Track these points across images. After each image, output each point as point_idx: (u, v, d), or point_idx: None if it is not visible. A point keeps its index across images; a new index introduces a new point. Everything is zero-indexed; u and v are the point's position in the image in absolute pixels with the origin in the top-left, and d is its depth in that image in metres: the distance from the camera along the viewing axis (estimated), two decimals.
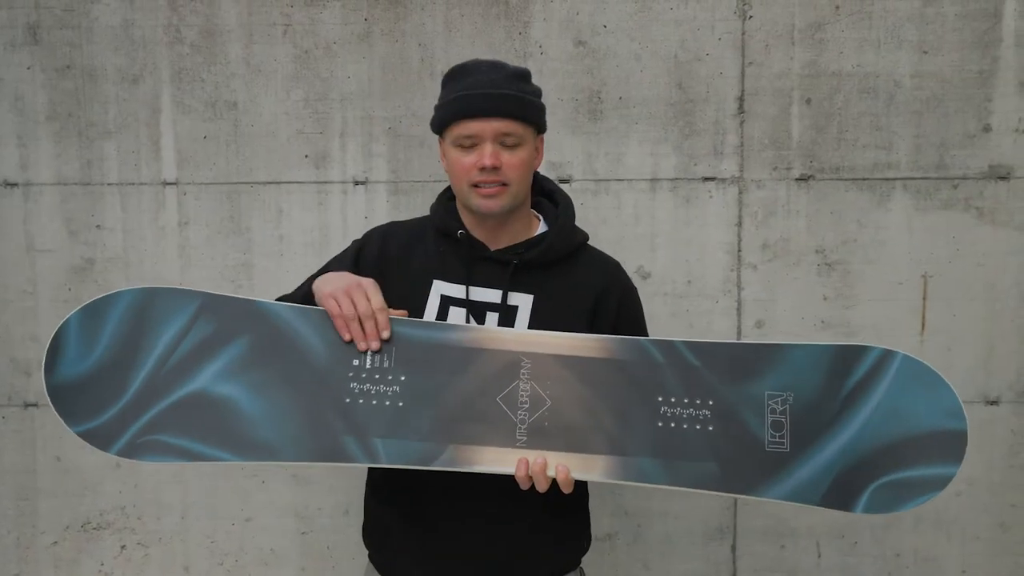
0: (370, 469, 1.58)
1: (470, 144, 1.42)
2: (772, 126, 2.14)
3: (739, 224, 2.16)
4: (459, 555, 1.47)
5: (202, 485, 2.26)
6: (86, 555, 2.29)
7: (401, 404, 1.38)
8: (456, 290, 1.48)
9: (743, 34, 2.12)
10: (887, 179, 2.14)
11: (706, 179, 2.15)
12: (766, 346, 1.44)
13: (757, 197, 2.15)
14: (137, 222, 2.20)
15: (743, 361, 1.42)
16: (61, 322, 1.36)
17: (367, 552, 1.60)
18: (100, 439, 1.34)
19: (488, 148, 1.40)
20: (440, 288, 1.48)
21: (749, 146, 2.14)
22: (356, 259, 1.54)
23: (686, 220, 2.16)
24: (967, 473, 2.21)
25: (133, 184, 2.19)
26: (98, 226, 2.20)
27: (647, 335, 1.59)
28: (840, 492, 1.38)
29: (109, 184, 2.19)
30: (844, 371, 1.41)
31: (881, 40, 2.11)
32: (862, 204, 2.15)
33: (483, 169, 1.40)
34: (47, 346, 1.35)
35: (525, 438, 1.37)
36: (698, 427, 1.39)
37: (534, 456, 1.35)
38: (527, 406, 1.38)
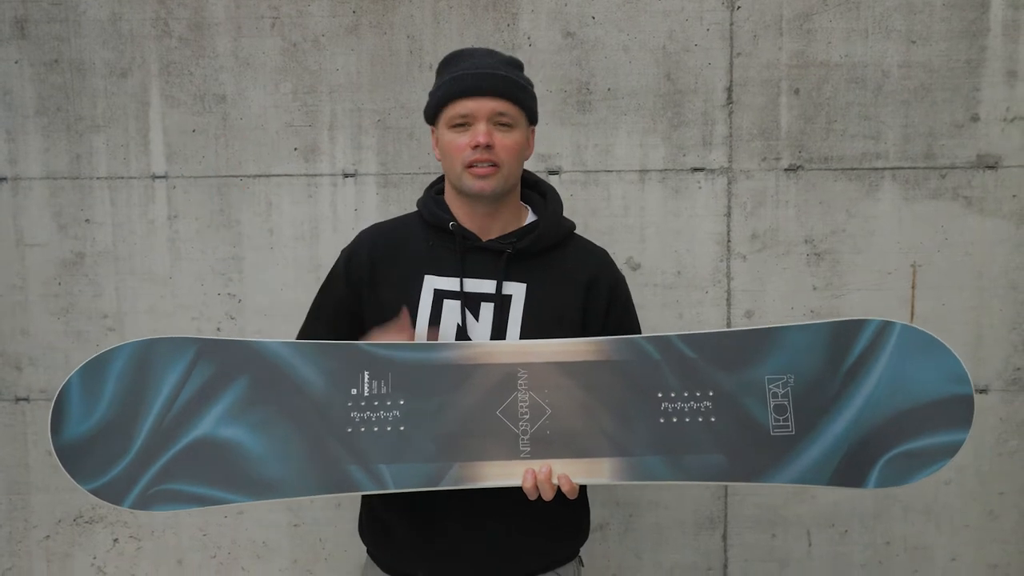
0: None
1: (464, 124, 1.44)
2: (761, 116, 2.14)
3: (728, 214, 2.17)
4: (459, 547, 1.47)
5: None
6: (78, 549, 2.29)
7: (403, 428, 1.38)
8: (449, 283, 1.48)
9: (731, 24, 2.12)
10: (876, 169, 2.15)
11: (695, 170, 2.16)
12: (762, 331, 1.43)
13: (746, 187, 2.16)
14: (126, 216, 2.20)
15: (740, 348, 1.41)
16: (64, 382, 1.38)
17: (365, 548, 1.60)
18: (112, 494, 1.36)
19: (482, 127, 1.42)
20: (432, 282, 1.48)
21: (738, 136, 2.14)
22: (347, 267, 1.54)
23: (675, 211, 2.17)
24: (956, 461, 2.19)
25: (122, 178, 2.19)
26: (87, 220, 2.20)
27: (637, 322, 1.61)
28: (850, 469, 1.37)
29: (98, 178, 2.19)
30: (843, 347, 1.40)
31: (869, 30, 2.12)
32: (851, 194, 2.15)
33: (476, 147, 1.42)
34: (51, 408, 1.36)
35: (529, 449, 1.38)
36: (700, 420, 1.38)
37: (539, 465, 1.35)
38: (527, 417, 1.39)
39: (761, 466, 1.37)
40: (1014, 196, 2.14)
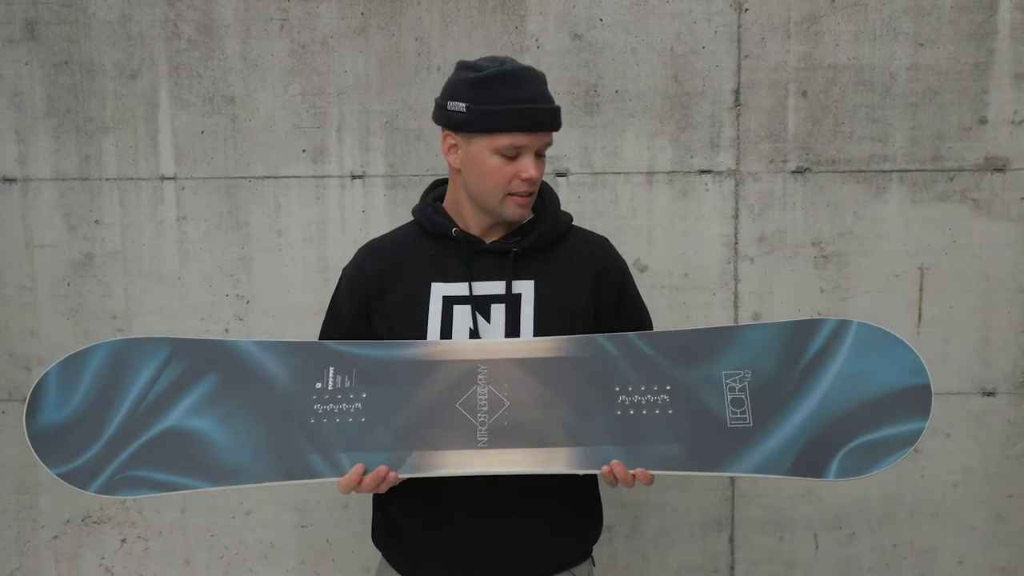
0: None
1: (515, 155, 1.42)
2: (768, 119, 2.14)
3: (736, 217, 2.17)
4: (474, 549, 1.48)
5: None
6: (87, 549, 2.30)
7: (364, 419, 1.41)
8: (457, 288, 1.49)
9: (739, 27, 2.12)
10: (883, 171, 2.15)
11: (702, 172, 2.16)
12: (719, 329, 1.47)
13: (754, 190, 2.16)
14: (135, 217, 2.21)
15: (697, 346, 1.44)
16: (42, 373, 1.44)
17: (375, 550, 1.61)
18: (78, 479, 1.40)
19: (531, 159, 1.42)
20: (440, 290, 1.49)
21: (745, 139, 2.15)
22: (350, 285, 1.55)
23: (683, 213, 2.17)
24: (964, 464, 2.21)
25: (131, 179, 2.20)
26: (96, 221, 2.21)
27: (647, 310, 1.63)
28: (809, 460, 1.38)
29: (107, 179, 2.20)
30: (800, 344, 1.43)
31: (877, 32, 2.12)
32: (858, 196, 2.15)
33: (526, 179, 1.42)
34: (28, 396, 1.42)
35: (486, 439, 1.40)
36: (657, 411, 1.40)
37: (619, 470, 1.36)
38: (486, 409, 1.41)
39: (719, 456, 1.38)
40: (1022, 199, 2.14)
